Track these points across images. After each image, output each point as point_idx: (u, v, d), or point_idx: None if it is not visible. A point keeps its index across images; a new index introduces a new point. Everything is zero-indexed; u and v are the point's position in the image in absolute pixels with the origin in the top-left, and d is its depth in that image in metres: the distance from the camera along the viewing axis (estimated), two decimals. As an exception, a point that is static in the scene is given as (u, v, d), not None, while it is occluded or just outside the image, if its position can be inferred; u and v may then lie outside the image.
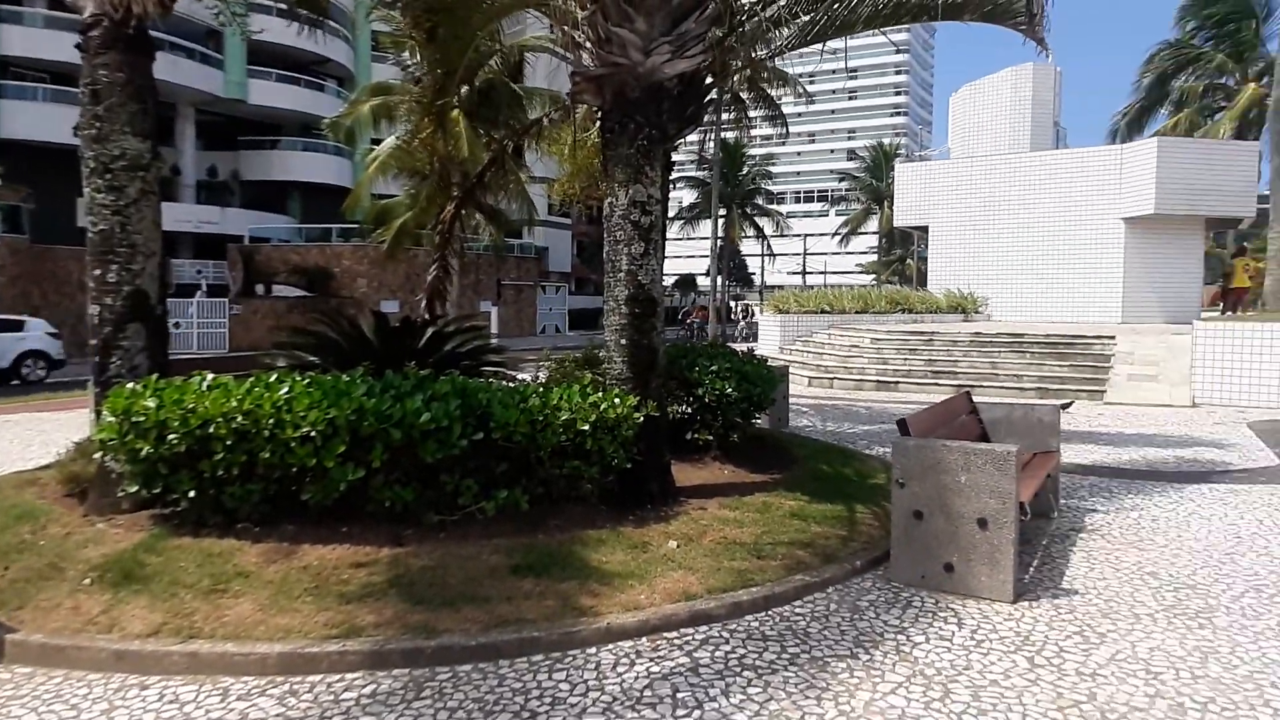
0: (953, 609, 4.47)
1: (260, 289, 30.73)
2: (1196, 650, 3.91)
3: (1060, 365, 15.21)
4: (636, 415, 5.65)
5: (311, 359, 7.03)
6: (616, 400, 5.63)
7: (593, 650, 3.92)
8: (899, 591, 4.75)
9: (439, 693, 3.52)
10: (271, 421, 4.81)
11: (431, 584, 4.38)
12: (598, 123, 7.44)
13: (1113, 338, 15.65)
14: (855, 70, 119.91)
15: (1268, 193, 17.41)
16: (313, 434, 4.78)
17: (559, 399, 5.49)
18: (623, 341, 6.16)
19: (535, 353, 14.32)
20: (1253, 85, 28.95)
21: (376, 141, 20.19)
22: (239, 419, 4.81)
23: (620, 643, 4.00)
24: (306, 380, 5.17)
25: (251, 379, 5.18)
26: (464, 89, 16.37)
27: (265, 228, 36.25)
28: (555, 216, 44.32)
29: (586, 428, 5.37)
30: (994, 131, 28.00)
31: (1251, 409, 12.14)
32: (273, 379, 5.18)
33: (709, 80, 9.12)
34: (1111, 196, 22.20)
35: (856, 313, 21.46)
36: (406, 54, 15.80)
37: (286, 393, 4.96)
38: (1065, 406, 12.66)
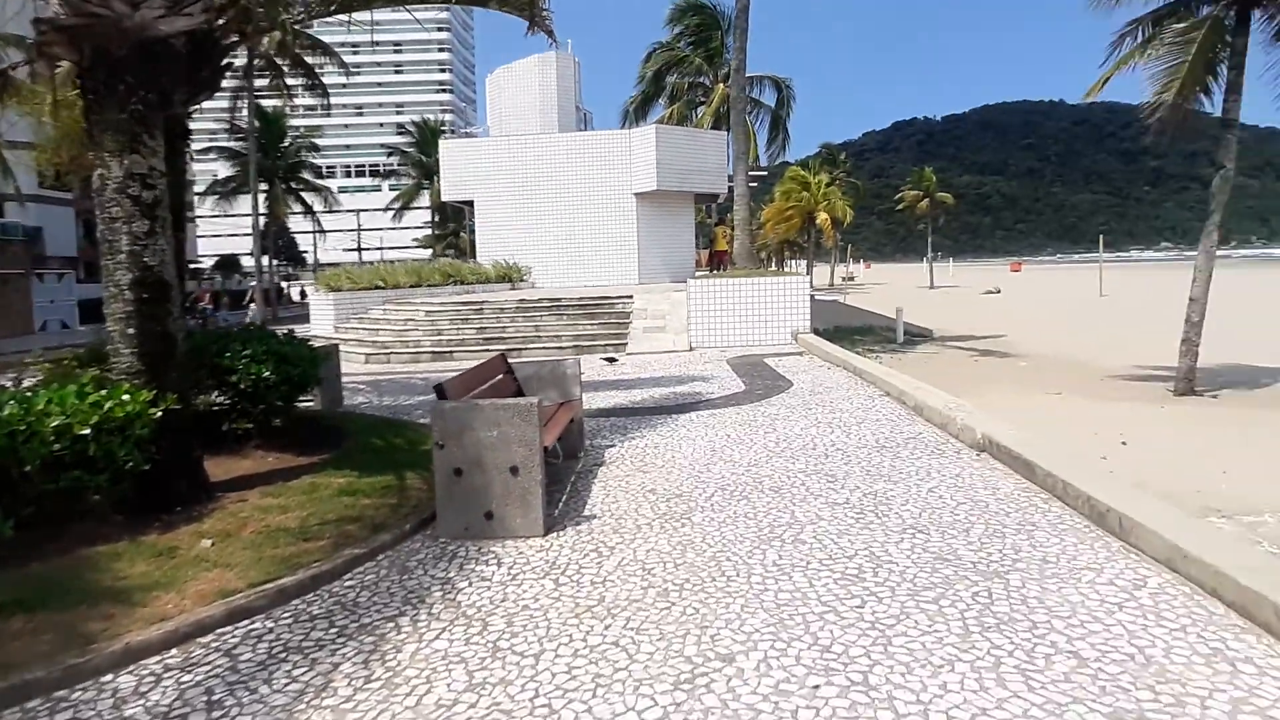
0: (493, 552, 4.81)
1: None
2: (679, 544, 4.75)
3: (591, 324, 16.92)
4: (153, 411, 5.04)
5: None
6: (126, 397, 4.96)
7: (108, 678, 3.46)
8: (446, 546, 4.97)
9: (-110, 774, 2.84)
10: None
11: None
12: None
13: (631, 297, 17.84)
14: (400, 44, 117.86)
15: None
16: None
17: (47, 403, 4.67)
18: (130, 331, 5.41)
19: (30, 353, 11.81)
20: (721, 86, 34.74)
21: None
22: None
23: (144, 660, 3.60)
24: None
25: None
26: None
27: None
28: (50, 190, 36.62)
29: (87, 432, 4.65)
30: (527, 113, 29.60)
31: (730, 348, 14.83)
32: None
33: (230, 41, 8.25)
34: (625, 174, 25.03)
35: (411, 287, 21.39)
36: None
37: None
38: (611, 360, 14.23)
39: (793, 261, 72.07)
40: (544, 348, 15.81)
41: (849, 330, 21.12)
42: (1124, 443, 9.53)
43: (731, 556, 4.50)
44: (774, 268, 62.43)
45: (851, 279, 78.44)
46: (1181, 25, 12.92)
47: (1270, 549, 5.22)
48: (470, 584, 4.35)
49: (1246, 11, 12.55)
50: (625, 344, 15.84)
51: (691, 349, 15.17)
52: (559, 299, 18.07)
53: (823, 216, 49.78)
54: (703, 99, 37.21)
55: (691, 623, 3.70)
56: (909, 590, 3.90)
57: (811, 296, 16.00)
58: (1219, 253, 13.69)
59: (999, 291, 48.95)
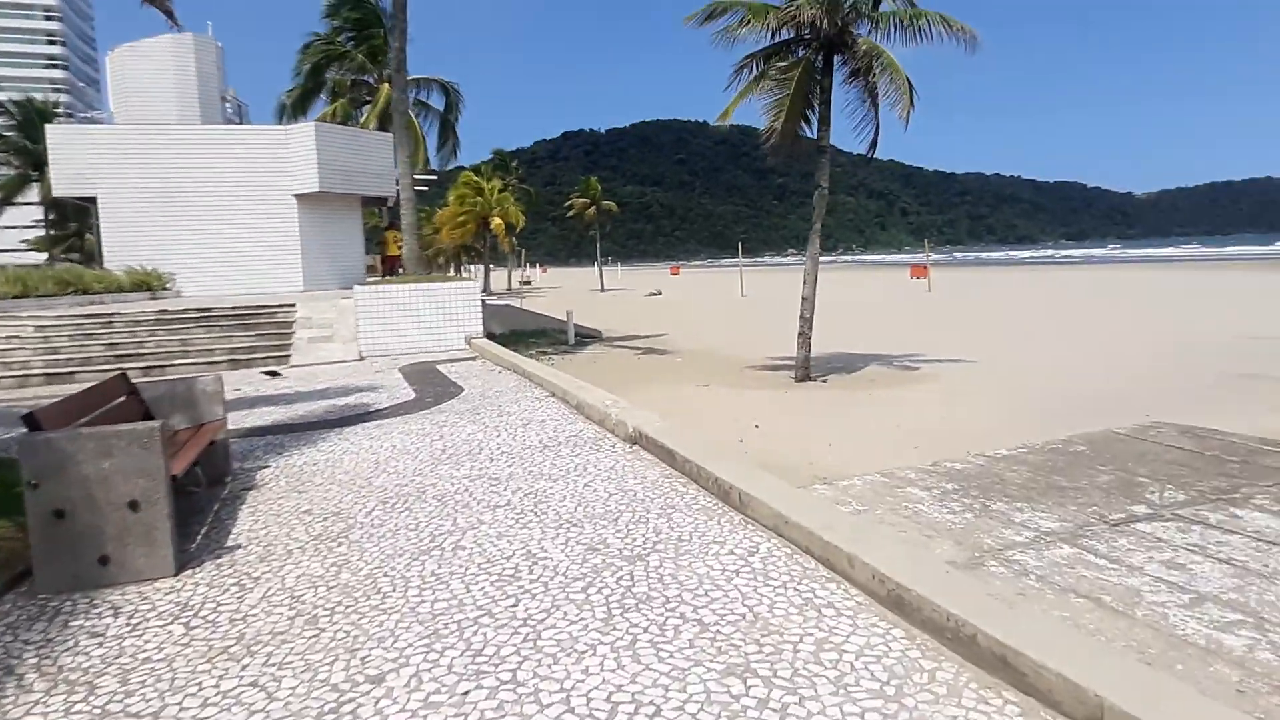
0: (110, 601, 4.15)
1: None
2: (334, 566, 4.47)
3: (249, 335, 15.39)
4: None
5: None
6: None
7: None
8: (47, 602, 4.19)
9: None
10: None
11: None
12: None
13: (294, 305, 16.52)
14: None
15: (401, 177, 20.51)
16: None
17: None
18: None
19: None
20: (386, 86, 33.47)
21: None
22: None
23: None
24: None
25: None
26: None
27: None
28: None
29: None
30: (162, 99, 26.17)
31: (403, 356, 14.36)
32: None
33: None
34: (283, 174, 23.10)
35: (15, 298, 17.82)
36: None
37: None
38: (273, 374, 13.04)
39: (472, 266, 71.87)
40: (193, 364, 14.06)
41: (524, 333, 21.55)
42: (757, 425, 10.82)
43: (389, 572, 4.33)
44: (452, 272, 61.76)
45: (528, 283, 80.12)
46: (784, 63, 15.00)
47: (856, 507, 6.23)
48: (76, 643, 3.70)
49: (830, 56, 14.90)
50: (289, 356, 14.65)
51: (362, 358, 14.44)
52: (210, 309, 16.19)
53: (497, 221, 50.24)
54: (368, 98, 35.53)
55: (341, 648, 3.50)
56: (561, 583, 4.05)
57: (483, 301, 16.05)
58: (828, 258, 16.10)
59: (660, 293, 53.06)
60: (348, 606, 3.93)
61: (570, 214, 70.78)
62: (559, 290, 62.79)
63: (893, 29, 14.51)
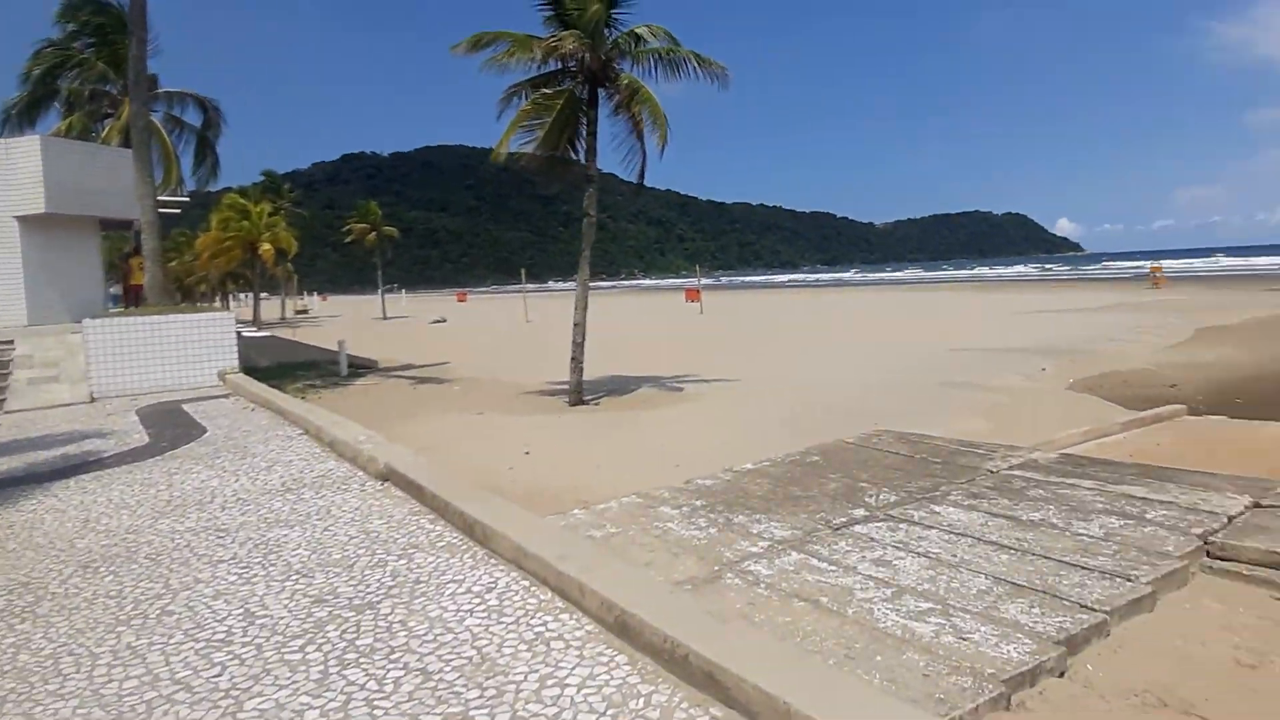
0: None
1: None
2: (10, 648, 3.81)
3: (-54, 377, 13.07)
4: None
5: None
6: None
7: None
8: None
9: None
10: None
11: None
12: None
13: (11, 343, 14.28)
14: None
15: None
16: None
17: None
18: None
19: None
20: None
21: None
22: None
23: None
24: None
25: None
26: None
27: None
28: None
29: None
30: None
31: (144, 396, 12.83)
32: None
33: None
34: (2, 193, 19.97)
35: None
36: None
37: None
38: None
39: (241, 295, 66.13)
40: None
41: (293, 366, 20.08)
42: (527, 452, 10.72)
43: (76, 650, 3.75)
44: (217, 302, 56.51)
45: (305, 312, 75.01)
46: (550, 91, 15.18)
47: (610, 530, 6.29)
48: None
49: (596, 89, 15.30)
50: (3, 400, 12.62)
51: (93, 400, 12.73)
52: (-107, 348, 13.60)
53: (266, 247, 46.65)
54: (110, 110, 31.70)
55: (-3, 749, 2.96)
56: (277, 643, 3.70)
57: (239, 333, 14.74)
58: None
59: (445, 320, 51.65)
60: (21, 694, 3.34)
61: (350, 239, 67.22)
62: (338, 319, 59.35)
63: (653, 65, 15.14)
